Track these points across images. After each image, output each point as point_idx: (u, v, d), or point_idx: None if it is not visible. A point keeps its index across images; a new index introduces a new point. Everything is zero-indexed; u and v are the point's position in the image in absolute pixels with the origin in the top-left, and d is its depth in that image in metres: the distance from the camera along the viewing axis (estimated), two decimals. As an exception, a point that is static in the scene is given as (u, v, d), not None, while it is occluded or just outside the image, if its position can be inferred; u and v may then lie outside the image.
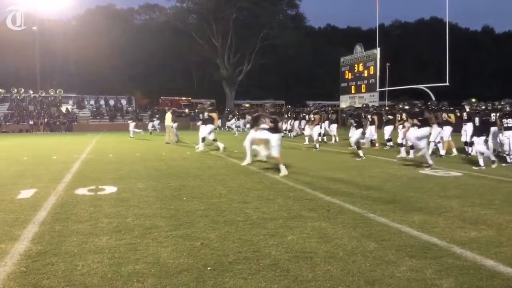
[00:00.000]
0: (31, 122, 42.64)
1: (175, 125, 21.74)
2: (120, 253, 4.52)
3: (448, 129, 14.16)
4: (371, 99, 39.46)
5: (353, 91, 43.06)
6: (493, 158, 11.45)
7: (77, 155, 15.03)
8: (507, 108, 12.18)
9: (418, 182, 9.14)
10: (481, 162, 11.13)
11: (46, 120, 42.80)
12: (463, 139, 14.08)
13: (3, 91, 45.90)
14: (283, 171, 10.07)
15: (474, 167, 11.14)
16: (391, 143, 17.37)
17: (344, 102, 43.31)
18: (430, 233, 5.18)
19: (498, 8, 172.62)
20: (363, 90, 41.34)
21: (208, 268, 4.07)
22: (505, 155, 12.19)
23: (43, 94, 46.90)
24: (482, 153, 11.19)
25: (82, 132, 39.19)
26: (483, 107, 12.27)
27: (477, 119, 11.60)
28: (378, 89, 39.49)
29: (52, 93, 47.42)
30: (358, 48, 42.91)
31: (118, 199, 7.38)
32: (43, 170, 11.41)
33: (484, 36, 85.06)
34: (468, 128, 13.66)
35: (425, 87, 34.44)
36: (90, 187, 8.58)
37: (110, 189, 8.33)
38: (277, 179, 9.53)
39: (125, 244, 4.83)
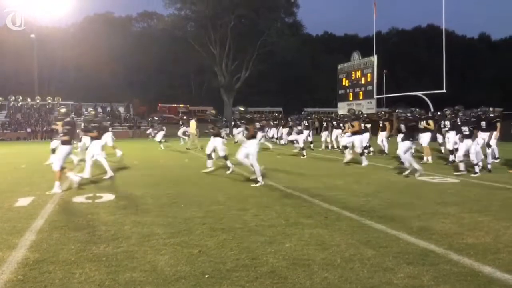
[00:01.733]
0: (28, 130, 42.56)
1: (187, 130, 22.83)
2: (117, 261, 4.52)
3: (427, 136, 14.22)
4: (368, 106, 39.52)
5: (350, 98, 43.13)
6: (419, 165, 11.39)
7: (75, 163, 14.98)
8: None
9: (416, 188, 9.15)
10: (462, 167, 11.37)
11: (44, 128, 42.73)
12: (449, 147, 14.00)
13: (1, 98, 45.84)
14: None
15: (455, 173, 11.30)
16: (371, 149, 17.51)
17: (342, 109, 43.32)
18: (427, 240, 5.19)
19: (495, 15, 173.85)
20: (361, 97, 41.41)
21: (206, 276, 4.07)
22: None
23: (41, 102, 46.86)
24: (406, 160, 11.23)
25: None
26: (408, 114, 12.21)
27: (402, 126, 11.80)
28: (375, 96, 39.56)
29: (50, 101, 47.38)
30: (356, 56, 43.03)
31: (116, 207, 7.38)
32: (41, 178, 11.39)
33: (480, 43, 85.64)
34: (451, 136, 13.69)
35: (422, 94, 34.51)
36: (88, 194, 8.57)
37: (107, 197, 8.32)
38: (275, 186, 9.53)
39: (123, 252, 4.82)
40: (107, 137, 17.58)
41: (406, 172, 11.06)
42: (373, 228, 5.79)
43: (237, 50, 55.76)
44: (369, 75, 40.19)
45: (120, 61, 58.03)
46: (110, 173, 10.97)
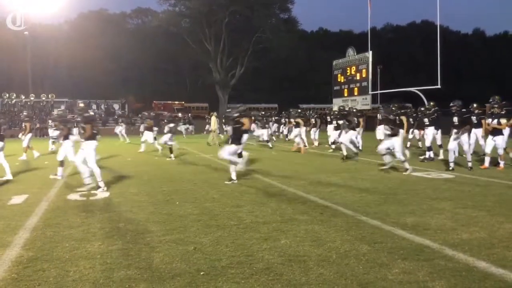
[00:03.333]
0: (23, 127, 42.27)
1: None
2: (112, 258, 4.50)
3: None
4: (363, 102, 39.61)
5: (345, 94, 43.19)
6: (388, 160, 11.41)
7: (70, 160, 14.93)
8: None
9: (411, 184, 9.17)
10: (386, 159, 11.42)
11: (38, 125, 42.53)
12: (427, 143, 14.03)
13: (-6, 95, 45.56)
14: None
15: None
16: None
17: (337, 105, 43.41)
18: (422, 235, 5.20)
19: (489, 11, 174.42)
20: (356, 93, 41.47)
21: (201, 273, 4.06)
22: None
23: (35, 99, 46.61)
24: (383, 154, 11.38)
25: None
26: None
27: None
28: (370, 92, 39.63)
29: (44, 98, 47.14)
30: (350, 52, 43.05)
31: (111, 204, 7.35)
32: (35, 175, 11.34)
33: (475, 39, 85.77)
34: (429, 132, 13.72)
35: (417, 90, 34.59)
36: (82, 192, 8.53)
37: (102, 194, 8.29)
38: (270, 183, 9.52)
39: (117, 249, 4.80)
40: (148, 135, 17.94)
41: (385, 167, 11.32)
42: (368, 224, 5.79)
43: (232, 46, 55.71)
44: (364, 71, 40.25)
45: (114, 58, 57.76)
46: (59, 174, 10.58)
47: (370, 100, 39.80)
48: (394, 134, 10.81)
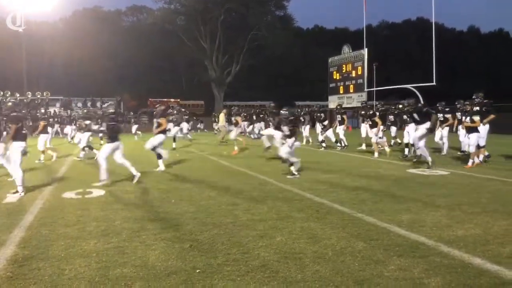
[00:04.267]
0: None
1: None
2: (107, 256, 4.49)
3: (375, 130, 14.60)
4: (359, 99, 39.67)
5: (341, 92, 43.26)
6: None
7: (64, 158, 14.90)
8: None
9: (406, 181, 9.19)
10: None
11: (31, 123, 42.34)
12: (406, 140, 14.14)
13: (-12, 94, 45.31)
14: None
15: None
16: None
17: (333, 102, 43.45)
18: (418, 232, 5.21)
19: (484, 8, 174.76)
20: (351, 91, 41.55)
21: (197, 271, 4.06)
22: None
23: (31, 97, 46.41)
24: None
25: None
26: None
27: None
28: (366, 89, 39.70)
29: (39, 96, 46.94)
30: (346, 49, 43.11)
31: (106, 202, 7.33)
32: (30, 173, 11.28)
33: (470, 36, 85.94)
34: (410, 129, 13.80)
35: (412, 87, 34.67)
36: (78, 190, 8.51)
37: (98, 192, 8.27)
38: (266, 180, 9.52)
39: (113, 247, 4.79)
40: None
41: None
42: (364, 221, 5.80)
43: (228, 44, 55.64)
44: (359, 68, 40.33)
45: (110, 56, 57.59)
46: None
47: (366, 97, 39.85)
48: (290, 136, 10.11)
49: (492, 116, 12.28)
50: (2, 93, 45.90)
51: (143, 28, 62.16)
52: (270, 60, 60.15)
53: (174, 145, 18.22)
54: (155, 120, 11.99)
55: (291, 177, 9.77)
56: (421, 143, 11.05)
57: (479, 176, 9.78)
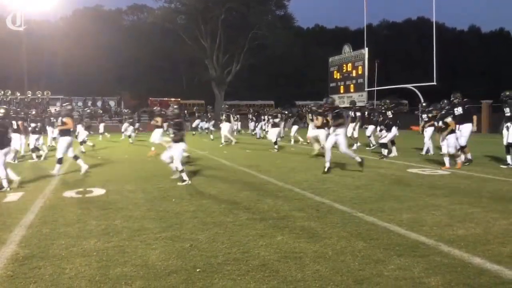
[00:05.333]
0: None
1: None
2: (108, 255, 4.50)
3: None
4: (359, 99, 39.62)
5: (341, 91, 43.22)
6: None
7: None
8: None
9: (406, 181, 9.20)
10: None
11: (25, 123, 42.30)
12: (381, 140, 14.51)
13: (-11, 93, 45.31)
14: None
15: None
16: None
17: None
18: (418, 232, 5.21)
19: (485, 8, 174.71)
20: (352, 90, 41.51)
21: (197, 270, 4.06)
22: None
23: (31, 96, 46.42)
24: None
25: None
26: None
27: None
28: (366, 89, 39.68)
29: (39, 95, 46.95)
30: (347, 48, 43.07)
31: (107, 201, 7.34)
32: (31, 172, 11.30)
33: (471, 36, 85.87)
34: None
35: (413, 86, 34.66)
36: (78, 189, 8.52)
37: (98, 191, 8.28)
38: (267, 180, 9.53)
39: (113, 246, 4.80)
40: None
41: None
42: (364, 221, 5.81)
43: (228, 43, 55.56)
44: (360, 67, 40.30)
45: (110, 55, 57.54)
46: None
47: (367, 97, 39.84)
48: (176, 140, 9.44)
49: (475, 117, 12.12)
50: (2, 92, 45.93)
51: (143, 27, 62.11)
52: (270, 59, 60.07)
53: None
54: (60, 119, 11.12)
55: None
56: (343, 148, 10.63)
57: (480, 175, 9.78)
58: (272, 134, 18.11)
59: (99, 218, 6.13)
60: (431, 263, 4.16)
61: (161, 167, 12.07)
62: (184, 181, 8.97)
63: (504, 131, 11.09)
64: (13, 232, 5.43)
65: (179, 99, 56.52)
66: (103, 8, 70.83)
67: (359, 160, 10.56)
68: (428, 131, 14.14)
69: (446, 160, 11.03)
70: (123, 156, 15.54)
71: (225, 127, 20.52)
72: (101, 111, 35.98)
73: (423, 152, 14.28)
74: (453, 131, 11.08)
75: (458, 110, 12.14)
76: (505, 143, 11.10)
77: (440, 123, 11.24)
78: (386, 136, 13.76)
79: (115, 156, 15.49)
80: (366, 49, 39.21)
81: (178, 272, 4.00)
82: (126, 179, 9.93)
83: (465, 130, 11.85)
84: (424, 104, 15.44)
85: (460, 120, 11.97)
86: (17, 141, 13.61)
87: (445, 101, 12.50)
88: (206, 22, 54.68)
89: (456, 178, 9.44)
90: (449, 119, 11.05)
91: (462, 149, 11.65)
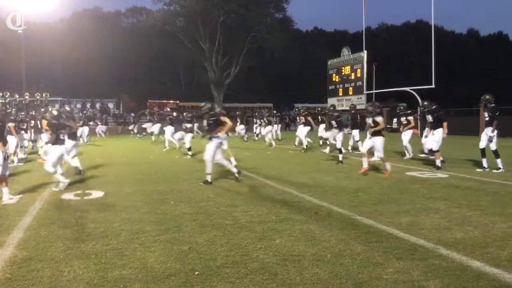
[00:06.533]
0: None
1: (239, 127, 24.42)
2: (106, 258, 4.49)
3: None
4: (358, 101, 39.66)
5: (340, 94, 43.28)
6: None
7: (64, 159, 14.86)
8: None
9: (405, 184, 9.20)
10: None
11: (25, 125, 42.23)
12: (350, 143, 15.58)
13: (-13, 95, 45.25)
14: None
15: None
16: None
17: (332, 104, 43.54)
18: (416, 235, 5.21)
19: (483, 11, 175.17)
20: (351, 93, 41.56)
21: (196, 273, 4.05)
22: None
23: (30, 98, 46.38)
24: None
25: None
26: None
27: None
28: (365, 92, 39.72)
29: (38, 97, 46.92)
30: (345, 51, 43.14)
31: (105, 204, 7.32)
32: (29, 175, 11.28)
33: (469, 39, 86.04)
34: (355, 133, 15.55)
35: (411, 89, 34.69)
36: (77, 191, 8.51)
37: (96, 194, 8.26)
38: (266, 182, 9.52)
39: (112, 249, 4.79)
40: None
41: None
42: (363, 224, 5.81)
43: (227, 45, 55.59)
44: (359, 70, 40.36)
45: (109, 57, 57.56)
46: None
47: (365, 100, 39.87)
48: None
49: (445, 124, 12.00)
50: (1, 94, 45.89)
51: (142, 29, 62.10)
52: (269, 62, 60.14)
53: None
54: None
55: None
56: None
57: (478, 178, 9.79)
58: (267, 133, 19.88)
59: (98, 220, 6.11)
60: (430, 266, 4.16)
61: (159, 170, 12.06)
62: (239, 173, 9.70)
63: (483, 135, 11.17)
64: (11, 235, 5.41)
65: (178, 101, 56.52)
66: (102, 10, 71.01)
67: (388, 167, 10.52)
68: (407, 134, 14.22)
69: (364, 160, 10.73)
70: (122, 159, 15.51)
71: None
72: (93, 114, 36.02)
73: (409, 156, 14.30)
74: (379, 133, 10.56)
75: (429, 118, 12.29)
76: (481, 147, 11.15)
77: (371, 120, 10.75)
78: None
79: (114, 158, 15.45)
80: (365, 52, 39.28)
81: (177, 275, 3.99)
82: (125, 181, 9.92)
83: (438, 134, 11.82)
84: (402, 107, 15.43)
85: (432, 127, 12.11)
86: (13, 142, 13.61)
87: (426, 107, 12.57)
88: (205, 24, 54.71)
89: (454, 181, 9.45)
90: (379, 118, 10.56)
91: (433, 153, 11.67)
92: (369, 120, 10.77)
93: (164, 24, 55.12)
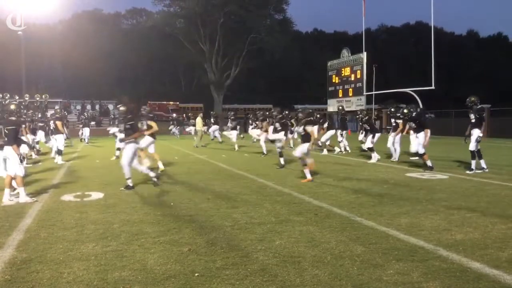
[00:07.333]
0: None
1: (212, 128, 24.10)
2: (106, 260, 4.48)
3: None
4: (358, 103, 39.66)
5: (340, 95, 43.25)
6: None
7: (64, 161, 14.88)
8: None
9: (405, 185, 9.19)
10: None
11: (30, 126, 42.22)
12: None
13: (-13, 96, 45.26)
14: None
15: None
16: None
17: (332, 106, 43.50)
18: (416, 236, 5.21)
19: (483, 13, 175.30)
20: (350, 94, 41.54)
21: (196, 274, 4.05)
22: None
23: (29, 99, 46.38)
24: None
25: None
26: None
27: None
28: (365, 93, 39.71)
29: (38, 98, 46.92)
30: (345, 53, 43.13)
31: (105, 205, 7.32)
32: (28, 176, 11.27)
33: (468, 40, 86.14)
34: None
35: (411, 90, 34.68)
36: (76, 193, 8.50)
37: (96, 195, 8.26)
38: (265, 184, 9.52)
39: (112, 250, 4.79)
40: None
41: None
42: (363, 225, 5.80)
43: (227, 47, 55.67)
44: (358, 72, 40.33)
45: (109, 58, 57.62)
46: None
47: (365, 101, 39.88)
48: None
49: (427, 131, 11.89)
50: (1, 95, 45.89)
51: (142, 31, 62.24)
52: (269, 63, 60.24)
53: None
54: None
55: None
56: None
57: (478, 180, 9.79)
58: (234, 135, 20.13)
59: (97, 222, 6.11)
60: (430, 267, 4.16)
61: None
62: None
63: (472, 137, 11.17)
64: (11, 236, 5.41)
65: (178, 103, 56.56)
66: (102, 11, 71.17)
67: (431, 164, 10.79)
68: (395, 137, 14.17)
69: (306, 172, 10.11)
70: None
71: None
72: (83, 116, 35.87)
73: (396, 158, 14.20)
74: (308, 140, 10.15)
75: (411, 125, 12.25)
76: (470, 149, 11.15)
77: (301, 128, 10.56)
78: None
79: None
80: (365, 53, 39.27)
81: (177, 277, 3.99)
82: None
83: (421, 137, 11.75)
84: (392, 109, 15.42)
85: (415, 131, 12.03)
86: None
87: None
88: (205, 26, 54.81)
89: (454, 183, 9.45)
90: (309, 128, 10.13)
91: (420, 156, 11.64)
92: (301, 128, 10.46)
93: (164, 26, 55.26)
